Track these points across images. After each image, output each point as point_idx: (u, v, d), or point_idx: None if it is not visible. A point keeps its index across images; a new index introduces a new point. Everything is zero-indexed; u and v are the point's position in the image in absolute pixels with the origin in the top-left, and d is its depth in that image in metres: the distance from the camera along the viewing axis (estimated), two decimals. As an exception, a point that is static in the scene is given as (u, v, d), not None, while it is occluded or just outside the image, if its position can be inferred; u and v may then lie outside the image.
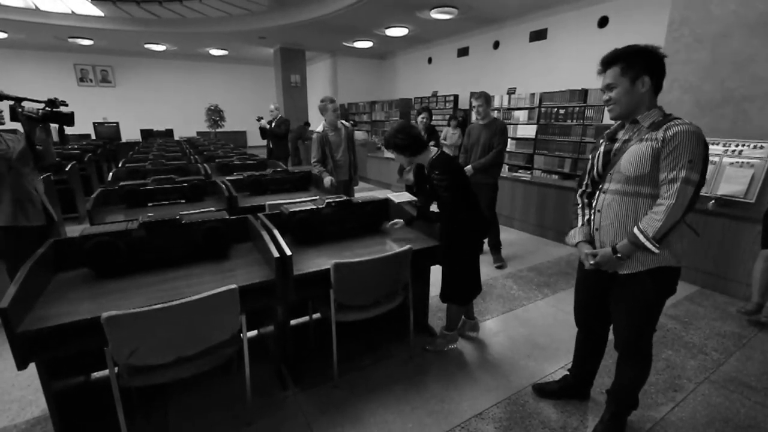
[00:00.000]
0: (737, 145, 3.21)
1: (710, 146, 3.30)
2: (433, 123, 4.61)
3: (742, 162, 3.15)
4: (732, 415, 1.90)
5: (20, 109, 2.12)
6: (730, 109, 3.27)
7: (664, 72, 1.43)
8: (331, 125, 3.70)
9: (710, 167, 3.28)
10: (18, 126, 2.27)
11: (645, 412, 1.92)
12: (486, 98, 3.52)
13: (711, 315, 2.88)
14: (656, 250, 1.37)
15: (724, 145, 3.29)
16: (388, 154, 2.30)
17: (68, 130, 2.31)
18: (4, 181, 2.29)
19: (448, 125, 6.18)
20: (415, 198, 2.57)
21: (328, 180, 3.51)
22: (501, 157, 3.56)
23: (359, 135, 7.95)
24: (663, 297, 1.52)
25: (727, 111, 3.29)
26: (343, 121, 3.89)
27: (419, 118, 4.41)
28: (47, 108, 2.19)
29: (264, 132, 6.45)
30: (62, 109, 2.24)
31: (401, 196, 2.50)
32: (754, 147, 3.11)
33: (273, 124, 6.40)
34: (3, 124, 2.35)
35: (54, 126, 2.29)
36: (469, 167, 3.52)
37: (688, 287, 3.30)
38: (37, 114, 2.16)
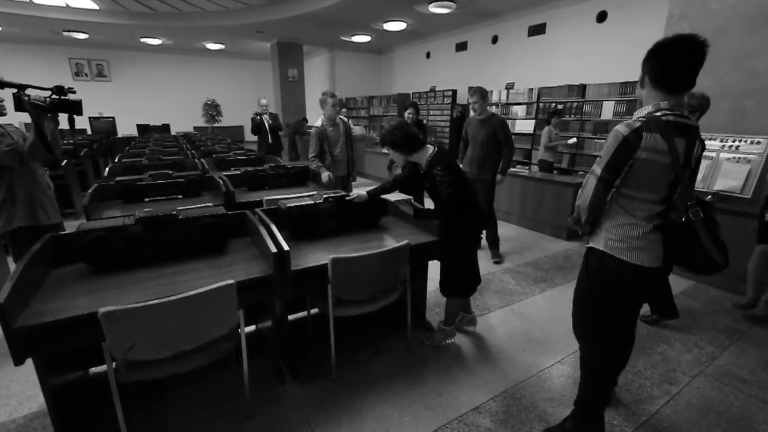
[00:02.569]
0: (734, 141, 3.22)
1: (708, 141, 3.33)
2: (420, 117, 4.62)
3: (739, 157, 3.16)
4: (726, 408, 1.92)
5: (26, 98, 1.94)
6: (728, 104, 3.27)
7: (661, 64, 1.34)
8: (330, 120, 3.68)
9: (708, 162, 3.30)
10: (15, 116, 2.17)
11: (640, 405, 1.93)
12: (482, 94, 3.50)
13: (706, 309, 2.90)
14: (571, 224, 1.57)
15: (721, 141, 3.29)
16: (385, 149, 2.29)
17: (64, 125, 2.20)
18: (15, 178, 2.18)
19: (548, 123, 5.36)
20: (409, 197, 2.56)
21: (325, 175, 3.50)
22: (512, 153, 3.58)
23: (356, 129, 7.92)
24: (593, 279, 1.51)
25: (725, 106, 3.29)
26: (342, 117, 3.87)
27: (406, 114, 4.42)
28: (55, 96, 2.01)
29: (259, 128, 6.35)
30: (70, 96, 2.05)
31: (395, 195, 2.49)
32: (751, 142, 3.12)
33: (268, 119, 6.35)
34: (4, 115, 2.21)
35: (63, 115, 2.10)
36: (500, 177, 3.57)
37: (684, 282, 3.32)
38: (44, 102, 1.99)
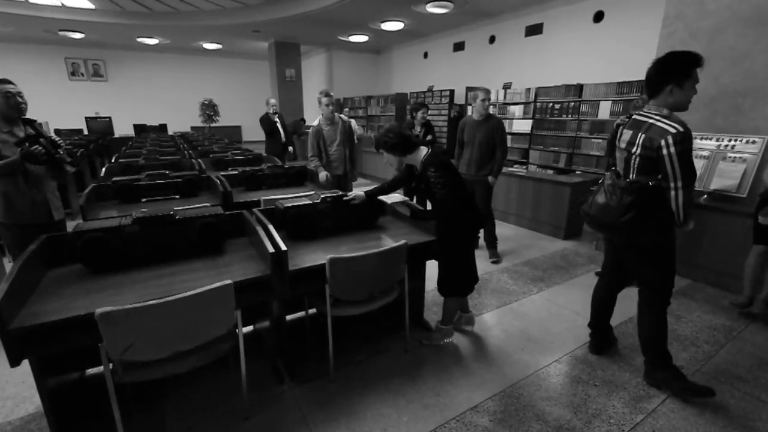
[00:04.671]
0: (730, 140, 3.24)
1: (703, 141, 3.36)
2: (429, 118, 4.61)
3: (735, 157, 3.18)
4: (722, 406, 1.93)
5: (24, 147, 2.14)
6: (724, 104, 3.29)
7: None
8: (326, 119, 3.69)
9: (703, 161, 3.32)
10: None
11: (637, 403, 1.94)
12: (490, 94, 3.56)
13: (703, 308, 2.92)
14: None
15: (717, 140, 3.31)
16: (381, 152, 2.29)
17: (60, 125, 2.30)
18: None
19: None
20: (406, 198, 2.57)
21: (323, 175, 3.51)
22: (505, 155, 3.60)
23: (357, 129, 7.89)
24: None
25: (720, 106, 3.31)
26: (342, 116, 3.86)
27: (419, 114, 4.40)
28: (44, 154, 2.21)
29: (273, 128, 6.26)
30: (62, 154, 2.31)
31: (392, 197, 2.50)
32: (747, 142, 3.14)
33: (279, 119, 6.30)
34: (24, 114, 2.33)
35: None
36: (492, 179, 3.55)
37: (681, 280, 3.34)
38: (42, 155, 2.19)
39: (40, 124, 2.34)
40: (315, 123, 3.70)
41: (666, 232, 1.86)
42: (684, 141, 1.67)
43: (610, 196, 1.88)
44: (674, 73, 1.76)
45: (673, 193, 1.73)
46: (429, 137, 4.45)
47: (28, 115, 2.34)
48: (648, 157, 1.77)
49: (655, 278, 1.98)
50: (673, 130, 1.68)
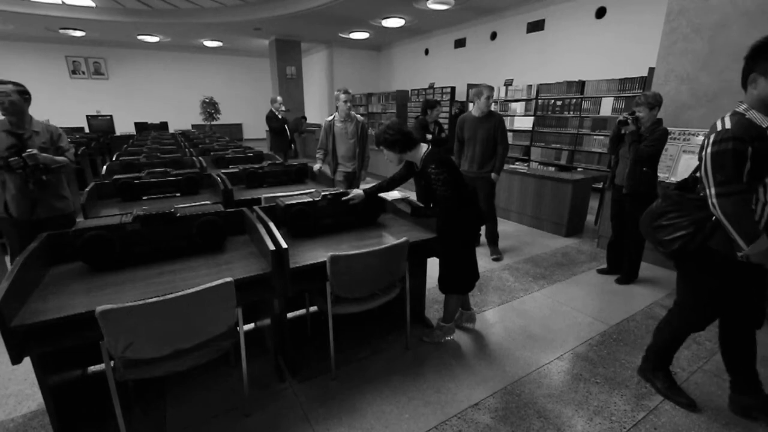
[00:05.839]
0: (733, 137, 3.21)
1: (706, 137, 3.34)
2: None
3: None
4: (724, 404, 1.92)
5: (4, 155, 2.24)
6: (727, 100, 3.26)
7: None
8: (343, 116, 3.73)
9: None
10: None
11: (639, 401, 1.94)
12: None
13: (705, 305, 2.90)
14: None
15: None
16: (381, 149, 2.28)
17: (61, 123, 2.35)
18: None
19: None
20: (407, 195, 2.57)
21: (316, 166, 3.57)
22: (507, 151, 3.60)
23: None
24: None
25: (724, 102, 3.28)
26: (358, 115, 3.90)
27: (434, 112, 4.41)
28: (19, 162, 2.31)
29: (282, 126, 6.26)
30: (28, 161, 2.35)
31: (393, 194, 2.50)
32: (750, 138, 3.12)
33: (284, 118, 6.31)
34: (6, 109, 2.36)
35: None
36: (495, 176, 3.54)
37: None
38: (21, 165, 2.31)
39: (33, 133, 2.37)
40: (329, 118, 3.75)
41: (704, 250, 1.55)
42: (725, 140, 1.39)
43: (659, 201, 1.72)
44: (759, 58, 1.43)
45: (709, 202, 1.46)
46: (443, 134, 4.47)
47: (31, 114, 2.36)
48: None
49: (683, 299, 1.80)
50: (719, 128, 1.42)
